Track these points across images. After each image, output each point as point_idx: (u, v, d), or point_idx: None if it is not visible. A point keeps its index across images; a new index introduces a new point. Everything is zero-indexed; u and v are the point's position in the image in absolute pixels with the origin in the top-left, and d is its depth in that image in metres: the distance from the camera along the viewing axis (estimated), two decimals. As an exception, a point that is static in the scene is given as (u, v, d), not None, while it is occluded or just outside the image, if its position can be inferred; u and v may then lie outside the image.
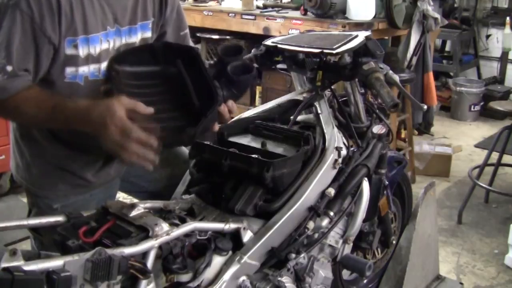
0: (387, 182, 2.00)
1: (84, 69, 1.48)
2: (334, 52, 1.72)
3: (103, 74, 1.51)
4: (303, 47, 1.79)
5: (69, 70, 1.46)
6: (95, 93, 1.49)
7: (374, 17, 4.06)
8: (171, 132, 1.44)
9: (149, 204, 1.52)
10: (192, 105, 1.46)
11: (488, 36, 6.34)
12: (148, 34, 1.63)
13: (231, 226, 1.50)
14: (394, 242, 2.23)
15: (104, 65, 1.51)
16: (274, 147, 1.72)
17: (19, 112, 1.43)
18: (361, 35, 1.78)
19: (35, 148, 1.61)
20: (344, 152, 1.72)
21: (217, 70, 1.53)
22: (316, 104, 1.84)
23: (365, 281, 2.29)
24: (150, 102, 1.40)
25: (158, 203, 1.55)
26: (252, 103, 4.80)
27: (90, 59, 1.48)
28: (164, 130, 1.37)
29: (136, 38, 1.59)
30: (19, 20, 1.35)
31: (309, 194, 1.61)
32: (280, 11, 4.47)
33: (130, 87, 1.47)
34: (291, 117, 1.83)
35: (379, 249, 2.29)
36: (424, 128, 5.18)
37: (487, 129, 5.49)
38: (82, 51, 1.45)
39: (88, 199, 1.66)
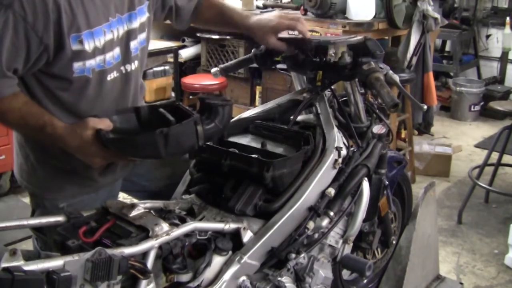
0: (387, 182, 2.00)
1: (91, 62, 1.49)
2: (331, 40, 1.73)
3: (108, 63, 1.53)
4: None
5: (77, 65, 1.47)
6: (101, 82, 1.53)
7: (374, 17, 4.06)
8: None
9: (149, 204, 1.52)
10: None
11: (488, 36, 6.34)
12: (144, 18, 1.64)
13: (231, 226, 1.50)
14: (394, 242, 2.23)
15: (108, 55, 1.52)
16: (274, 147, 1.72)
17: (4, 119, 1.49)
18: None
19: (41, 150, 1.61)
20: (344, 152, 1.72)
21: (198, 110, 1.55)
22: (316, 104, 1.84)
23: (365, 281, 2.29)
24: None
25: (158, 203, 1.55)
26: (252, 103, 4.80)
27: (96, 51, 1.49)
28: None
29: (136, 24, 1.60)
30: (12, 20, 1.34)
31: (309, 194, 1.61)
32: (280, 11, 4.46)
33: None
34: (291, 117, 1.83)
35: (379, 249, 2.29)
36: (424, 128, 5.17)
37: (487, 129, 5.48)
38: (88, 46, 1.45)
39: (94, 198, 1.66)
